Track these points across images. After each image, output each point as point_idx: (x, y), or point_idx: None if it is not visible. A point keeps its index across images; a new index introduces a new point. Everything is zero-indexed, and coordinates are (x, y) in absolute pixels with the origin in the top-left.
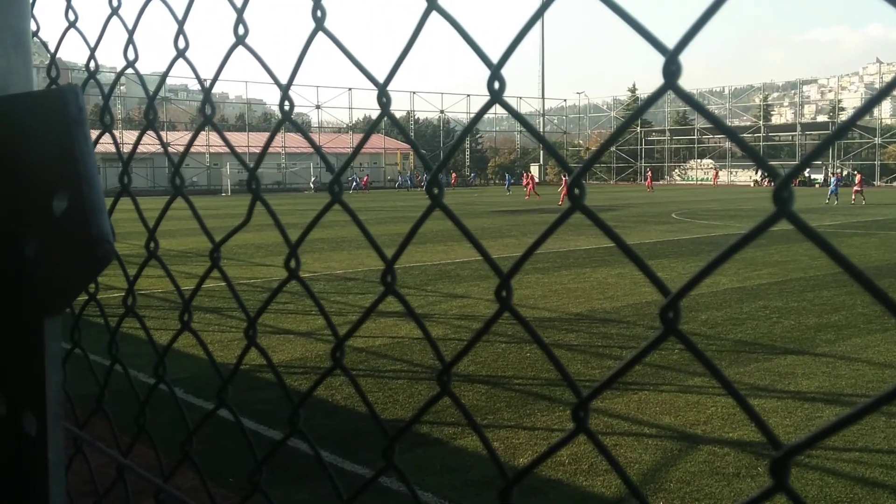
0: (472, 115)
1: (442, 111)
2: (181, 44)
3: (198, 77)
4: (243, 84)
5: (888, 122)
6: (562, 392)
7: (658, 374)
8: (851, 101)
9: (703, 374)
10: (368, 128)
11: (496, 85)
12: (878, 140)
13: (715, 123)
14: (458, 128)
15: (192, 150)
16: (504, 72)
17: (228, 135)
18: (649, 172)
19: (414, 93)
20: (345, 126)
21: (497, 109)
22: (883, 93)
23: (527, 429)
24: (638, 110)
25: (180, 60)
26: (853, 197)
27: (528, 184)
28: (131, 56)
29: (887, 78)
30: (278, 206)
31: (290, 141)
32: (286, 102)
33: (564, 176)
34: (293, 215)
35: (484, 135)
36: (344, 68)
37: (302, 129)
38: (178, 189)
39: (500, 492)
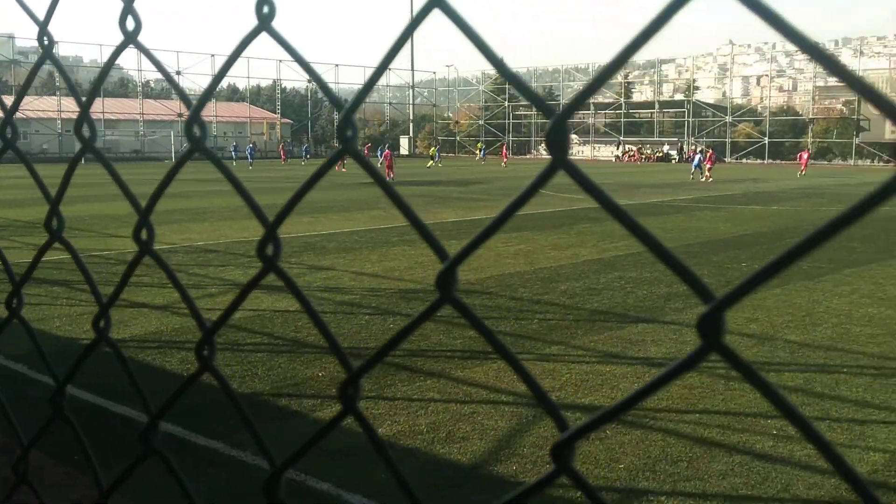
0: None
1: (309, 81)
2: None
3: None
4: (98, 47)
5: (739, 101)
6: (423, 362)
7: (517, 343)
8: (706, 81)
9: (560, 343)
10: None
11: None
12: (728, 119)
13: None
14: (325, 98)
15: (43, 115)
16: (374, 42)
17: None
18: (503, 147)
19: (280, 61)
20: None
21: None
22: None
23: (387, 399)
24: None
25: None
26: (707, 174)
27: (387, 163)
28: None
29: (738, 59)
30: (136, 175)
31: (148, 108)
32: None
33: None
34: (151, 185)
35: None
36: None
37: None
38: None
39: (263, 484)
